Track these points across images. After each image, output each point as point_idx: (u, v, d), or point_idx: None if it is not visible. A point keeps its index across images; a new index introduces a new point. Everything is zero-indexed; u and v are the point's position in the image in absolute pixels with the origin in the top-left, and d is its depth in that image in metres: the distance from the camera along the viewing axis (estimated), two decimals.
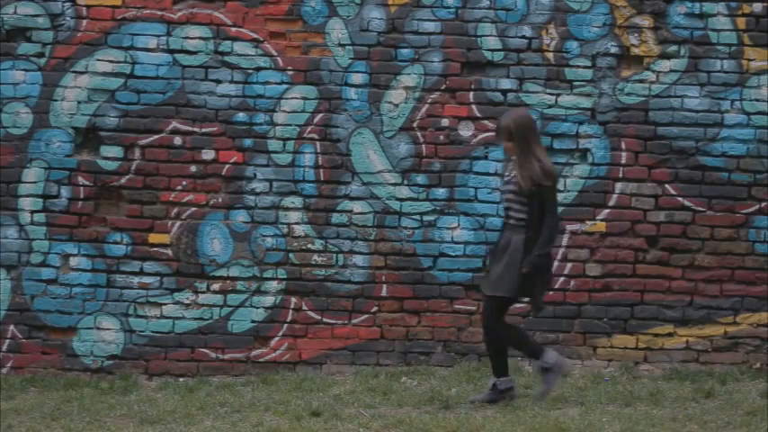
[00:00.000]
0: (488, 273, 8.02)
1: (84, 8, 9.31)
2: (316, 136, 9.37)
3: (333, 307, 9.31)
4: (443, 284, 9.33)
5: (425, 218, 9.35)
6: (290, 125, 9.37)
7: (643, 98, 9.39)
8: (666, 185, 9.36)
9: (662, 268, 9.34)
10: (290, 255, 9.35)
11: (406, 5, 9.36)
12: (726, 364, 9.25)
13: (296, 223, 9.36)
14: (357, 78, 9.36)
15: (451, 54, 9.36)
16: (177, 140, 9.35)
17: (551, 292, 9.31)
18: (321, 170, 9.37)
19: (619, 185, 9.37)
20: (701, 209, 9.36)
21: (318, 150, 9.36)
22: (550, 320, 9.34)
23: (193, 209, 9.35)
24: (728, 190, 9.35)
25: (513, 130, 7.89)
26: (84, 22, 9.32)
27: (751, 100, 9.37)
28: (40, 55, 9.30)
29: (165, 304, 9.33)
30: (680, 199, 9.37)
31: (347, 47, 9.36)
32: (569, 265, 9.35)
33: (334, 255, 9.32)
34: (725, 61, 9.37)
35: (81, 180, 9.31)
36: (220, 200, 9.37)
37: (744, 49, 9.37)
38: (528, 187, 7.82)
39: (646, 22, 9.40)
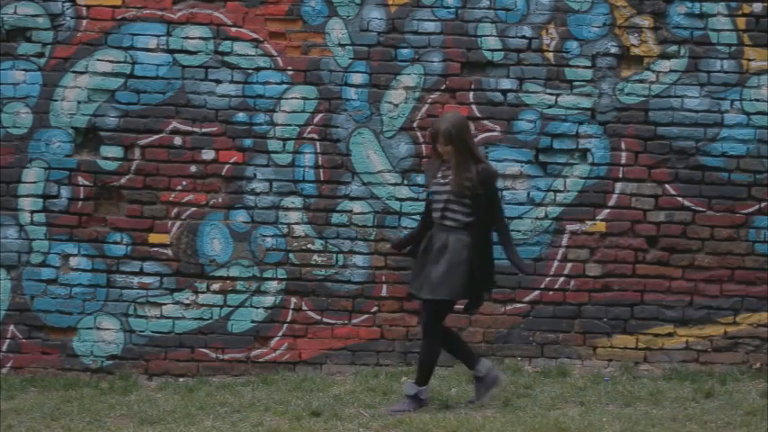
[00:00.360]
0: (420, 275, 7.89)
1: (84, 8, 9.30)
2: (316, 136, 9.36)
3: (333, 307, 9.30)
4: None
5: None
6: (290, 125, 9.36)
7: (643, 98, 9.39)
8: (666, 185, 9.36)
9: (662, 268, 9.33)
10: (290, 255, 9.34)
11: (406, 5, 9.36)
12: (726, 364, 9.24)
13: (296, 223, 9.36)
14: (357, 78, 9.35)
15: (451, 54, 9.36)
16: (177, 140, 9.35)
17: (551, 293, 9.35)
18: (321, 170, 9.36)
19: (619, 185, 9.37)
20: (700, 209, 9.35)
21: (318, 150, 9.35)
22: (550, 320, 9.34)
23: (193, 209, 9.34)
24: (728, 190, 9.34)
25: (453, 133, 7.85)
26: (84, 22, 9.31)
27: (751, 100, 9.37)
28: (40, 55, 9.29)
29: (164, 304, 9.32)
30: (680, 199, 9.37)
31: (347, 47, 9.35)
32: (569, 265, 9.35)
33: (334, 255, 9.31)
34: (725, 61, 9.37)
35: (81, 180, 9.31)
36: (220, 200, 9.37)
37: (744, 49, 9.36)
38: (465, 190, 7.81)
39: (646, 22, 9.39)
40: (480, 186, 7.83)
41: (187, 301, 9.33)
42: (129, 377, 9.13)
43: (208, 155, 9.35)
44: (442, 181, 7.94)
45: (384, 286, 9.33)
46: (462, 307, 8.14)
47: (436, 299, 7.82)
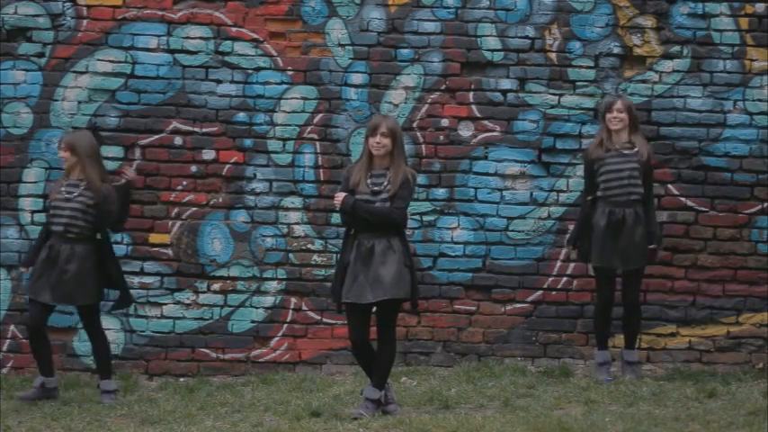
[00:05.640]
0: (366, 281, 7.59)
1: (84, 8, 9.31)
2: (316, 136, 9.36)
3: (333, 307, 9.22)
4: (443, 284, 9.31)
5: (425, 218, 9.32)
6: (290, 125, 9.36)
7: (646, 98, 9.37)
8: (669, 185, 9.33)
9: (664, 268, 9.29)
10: (290, 255, 9.33)
11: (406, 5, 9.35)
12: (728, 364, 9.21)
13: (296, 223, 9.35)
14: (357, 78, 9.35)
15: (451, 54, 9.35)
16: (178, 140, 9.35)
17: (554, 292, 9.31)
18: (321, 170, 9.35)
19: None
20: (703, 209, 9.33)
21: (318, 150, 9.35)
22: (554, 320, 9.32)
23: (194, 209, 9.34)
24: (731, 190, 9.32)
25: (398, 133, 7.74)
26: (85, 22, 9.32)
27: (753, 100, 9.35)
28: (41, 55, 9.30)
29: (165, 304, 9.32)
30: (682, 199, 9.34)
31: (347, 47, 9.35)
32: (572, 265, 9.31)
33: (334, 255, 9.28)
34: (727, 61, 9.35)
35: None
36: (221, 200, 9.36)
37: (746, 49, 9.35)
38: (404, 191, 7.67)
39: (648, 22, 9.38)
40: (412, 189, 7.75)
41: (187, 301, 9.32)
42: (130, 377, 9.12)
43: (208, 155, 9.34)
44: (374, 188, 7.65)
45: None
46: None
47: (397, 298, 7.66)
